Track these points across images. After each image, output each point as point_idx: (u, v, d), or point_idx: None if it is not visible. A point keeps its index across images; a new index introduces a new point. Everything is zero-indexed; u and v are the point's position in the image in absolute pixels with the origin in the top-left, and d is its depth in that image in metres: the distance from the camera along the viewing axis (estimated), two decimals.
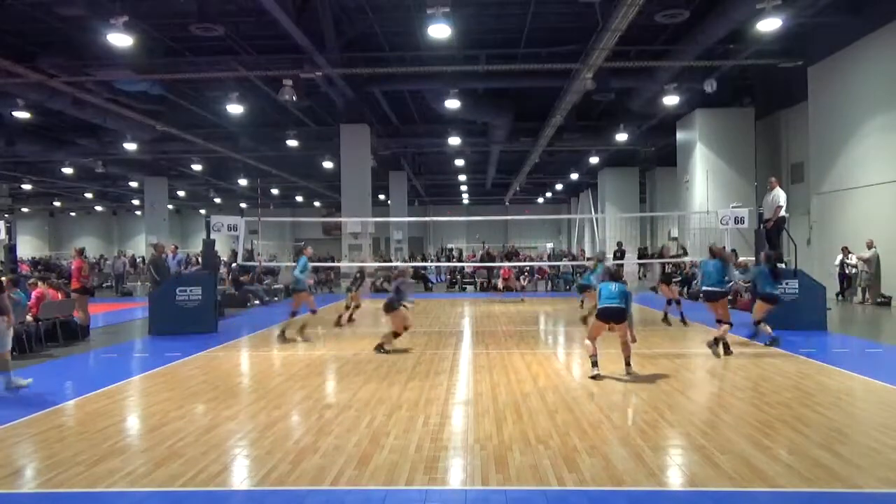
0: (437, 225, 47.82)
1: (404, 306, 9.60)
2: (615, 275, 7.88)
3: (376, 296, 17.43)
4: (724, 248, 10.60)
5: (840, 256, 16.41)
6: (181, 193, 43.88)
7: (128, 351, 10.34)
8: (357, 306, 13.53)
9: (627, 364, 7.64)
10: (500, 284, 20.33)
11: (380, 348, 9.48)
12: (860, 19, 15.46)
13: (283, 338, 10.81)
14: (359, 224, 22.47)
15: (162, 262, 15.34)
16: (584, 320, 12.09)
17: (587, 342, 7.66)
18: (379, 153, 27.94)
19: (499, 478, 4.28)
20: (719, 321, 8.94)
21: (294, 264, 12.27)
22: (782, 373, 7.66)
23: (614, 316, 7.45)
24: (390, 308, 9.46)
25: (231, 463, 4.73)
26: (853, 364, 8.01)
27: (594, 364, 7.45)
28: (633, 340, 7.64)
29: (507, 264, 21.67)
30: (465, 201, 50.57)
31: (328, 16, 15.18)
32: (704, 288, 9.19)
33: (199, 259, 20.45)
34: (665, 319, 12.43)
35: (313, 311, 11.43)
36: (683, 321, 12.16)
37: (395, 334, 9.59)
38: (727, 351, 8.78)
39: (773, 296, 9.55)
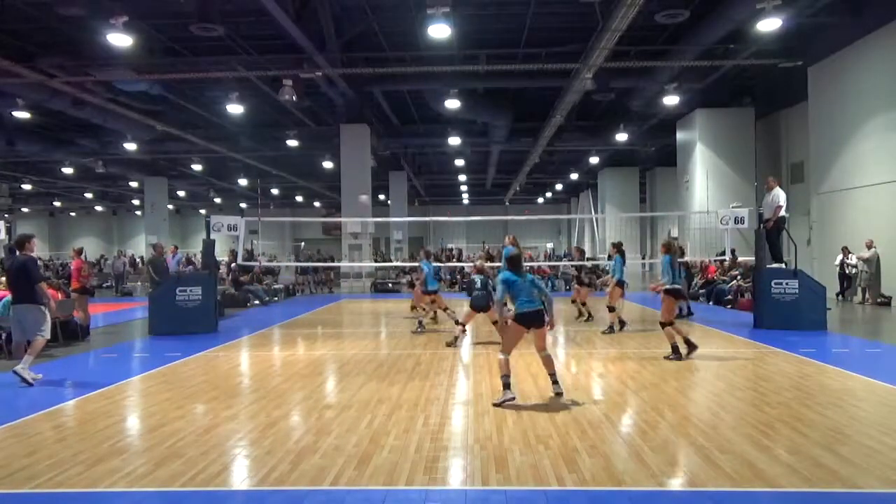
0: (437, 225, 47.83)
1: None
2: (518, 262, 6.48)
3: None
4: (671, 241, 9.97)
5: (840, 256, 16.40)
6: (181, 193, 43.91)
7: (128, 351, 10.33)
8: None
9: (554, 382, 6.42)
10: None
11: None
12: (860, 19, 15.46)
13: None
14: (359, 224, 22.49)
15: (161, 263, 15.35)
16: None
17: (501, 357, 6.29)
18: (379, 153, 27.95)
19: (499, 478, 4.27)
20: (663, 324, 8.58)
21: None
22: (782, 373, 7.66)
23: (536, 320, 6.29)
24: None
25: (231, 463, 4.72)
26: (853, 364, 8.00)
27: (506, 386, 6.18)
28: (552, 327, 6.58)
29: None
30: (465, 201, 50.60)
31: (328, 16, 15.20)
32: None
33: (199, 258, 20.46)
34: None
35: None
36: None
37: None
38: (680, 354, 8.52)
39: (621, 282, 11.68)
